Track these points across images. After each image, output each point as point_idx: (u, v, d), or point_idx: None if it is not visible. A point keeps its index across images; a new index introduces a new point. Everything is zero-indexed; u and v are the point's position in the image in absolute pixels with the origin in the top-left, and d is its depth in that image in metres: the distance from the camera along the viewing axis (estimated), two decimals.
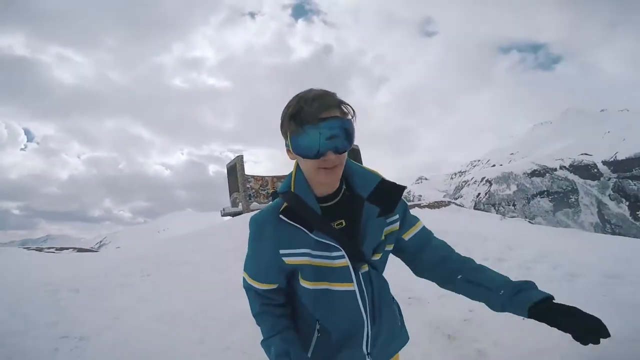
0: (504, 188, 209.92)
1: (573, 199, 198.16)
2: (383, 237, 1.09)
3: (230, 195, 20.40)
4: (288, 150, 1.03)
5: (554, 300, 0.93)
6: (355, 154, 25.24)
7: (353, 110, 0.99)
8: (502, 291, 0.99)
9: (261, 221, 1.08)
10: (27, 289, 4.97)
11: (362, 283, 1.05)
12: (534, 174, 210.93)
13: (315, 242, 1.02)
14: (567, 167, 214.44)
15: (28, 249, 15.96)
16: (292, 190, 1.05)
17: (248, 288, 1.17)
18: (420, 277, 1.19)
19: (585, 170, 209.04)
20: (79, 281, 5.33)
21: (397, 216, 1.11)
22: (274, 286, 1.12)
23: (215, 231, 10.01)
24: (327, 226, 1.02)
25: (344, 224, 1.06)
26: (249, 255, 1.14)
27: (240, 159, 18.29)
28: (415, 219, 1.17)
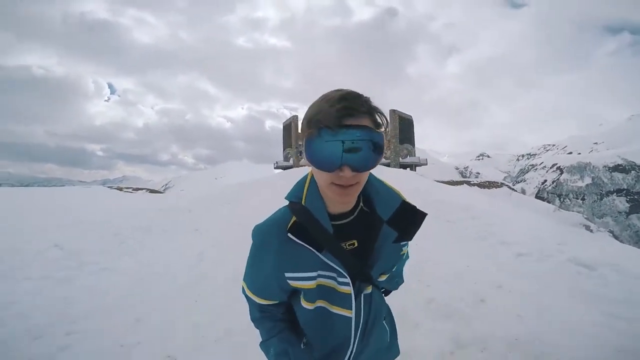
0: (576, 179, 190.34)
1: None
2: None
3: (284, 150, 21.88)
4: (303, 155, 0.91)
5: None
6: (408, 125, 25.10)
7: (387, 120, 0.87)
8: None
9: (265, 235, 0.98)
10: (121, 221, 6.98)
11: (362, 308, 1.00)
12: (616, 168, 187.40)
13: (323, 262, 0.94)
14: None
15: (111, 187, 19.08)
16: (303, 202, 0.95)
17: (247, 297, 1.10)
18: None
19: None
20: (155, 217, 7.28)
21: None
22: (275, 302, 1.07)
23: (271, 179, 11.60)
24: (338, 247, 0.93)
25: (355, 244, 0.98)
26: (248, 267, 1.06)
27: (295, 119, 19.45)
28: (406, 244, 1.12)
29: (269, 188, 9.81)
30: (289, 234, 0.92)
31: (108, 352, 2.69)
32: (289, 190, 1.02)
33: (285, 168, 19.04)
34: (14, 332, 2.88)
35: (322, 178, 0.86)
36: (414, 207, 1.00)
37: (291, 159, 20.18)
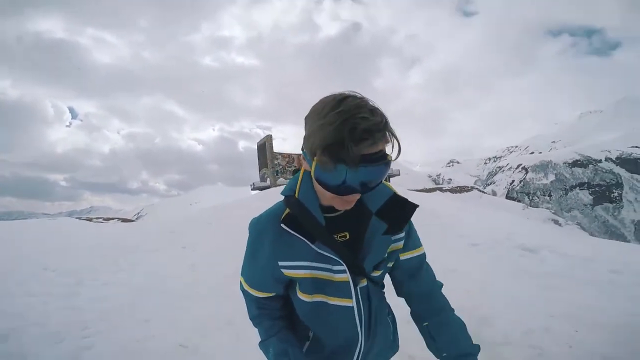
0: (540, 177, 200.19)
1: (616, 194, 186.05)
2: (386, 255, 1.03)
3: (259, 171, 22.16)
4: (304, 159, 0.91)
5: None
6: None
7: (399, 145, 0.84)
8: (445, 354, 1.02)
9: (261, 227, 1.02)
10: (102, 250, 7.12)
11: (361, 299, 1.00)
12: (575, 164, 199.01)
13: (316, 253, 0.95)
14: (614, 159, 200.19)
15: (80, 219, 18.52)
16: (296, 196, 0.97)
17: (245, 292, 1.12)
18: (402, 297, 1.16)
19: (634, 164, 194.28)
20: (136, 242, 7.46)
21: (402, 234, 1.05)
22: (271, 294, 1.08)
23: (247, 201, 11.93)
24: (330, 238, 0.95)
25: (347, 236, 0.99)
26: (246, 261, 1.09)
27: (269, 138, 19.87)
28: (419, 243, 1.11)
29: (245, 209, 10.24)
30: (282, 225, 0.95)
31: (127, 347, 3.03)
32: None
33: (262, 189, 19.31)
34: (36, 338, 3.12)
35: (327, 192, 0.86)
36: (405, 199, 1.01)
37: (268, 179, 20.49)
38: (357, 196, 0.87)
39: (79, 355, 2.91)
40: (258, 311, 1.10)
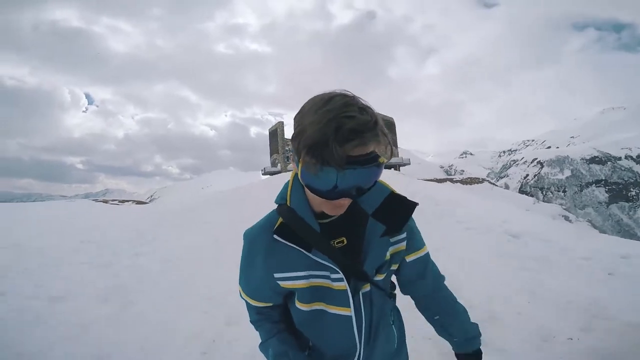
0: (556, 172, 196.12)
1: (633, 193, 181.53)
2: (388, 257, 0.97)
3: (270, 156, 22.72)
4: (294, 165, 0.87)
5: (471, 355, 1.07)
6: (389, 127, 26.21)
7: (391, 145, 0.80)
8: (456, 339, 1.07)
9: (253, 238, 0.98)
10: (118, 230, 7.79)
11: (362, 306, 0.94)
12: (593, 160, 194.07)
13: (313, 262, 0.91)
14: (634, 157, 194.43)
15: (96, 200, 19.28)
16: (288, 203, 0.93)
17: (244, 299, 1.10)
18: (407, 295, 1.13)
19: None
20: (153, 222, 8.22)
21: (404, 235, 0.99)
22: (269, 304, 1.06)
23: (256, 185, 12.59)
24: (326, 245, 0.90)
25: (345, 241, 0.94)
26: (241, 271, 1.05)
27: (281, 125, 20.38)
28: (422, 244, 1.06)
29: (258, 190, 10.94)
30: (275, 236, 0.91)
31: (164, 302, 3.76)
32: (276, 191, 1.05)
33: (273, 174, 19.90)
34: (88, 297, 3.79)
35: (317, 197, 0.82)
36: (404, 197, 0.97)
37: (279, 164, 21.06)
38: (348, 201, 0.82)
39: (126, 308, 3.57)
40: (257, 316, 1.08)
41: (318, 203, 0.87)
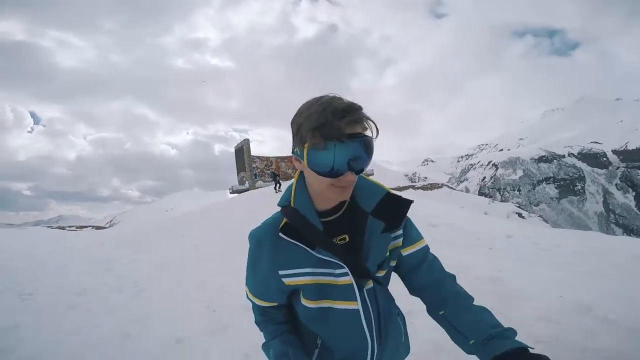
0: (510, 173, 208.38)
1: (579, 187, 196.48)
2: (388, 253, 1.02)
3: (237, 174, 22.50)
4: (296, 159, 0.94)
5: (526, 351, 0.82)
6: None
7: (377, 128, 0.91)
8: (472, 341, 0.92)
9: (259, 238, 1.03)
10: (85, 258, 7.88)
11: (367, 301, 0.99)
12: (541, 159, 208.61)
13: (317, 259, 0.96)
14: (576, 154, 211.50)
15: (51, 227, 18.01)
16: (291, 204, 0.99)
17: (250, 300, 1.14)
18: (415, 295, 1.12)
19: (594, 159, 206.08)
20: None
21: (400, 231, 1.04)
22: (274, 304, 1.10)
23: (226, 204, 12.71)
24: (329, 243, 0.95)
25: (347, 239, 0.99)
26: (248, 271, 1.10)
27: (246, 142, 20.29)
28: (419, 236, 1.08)
29: (221, 212, 11.45)
30: (280, 234, 0.97)
31: (171, 291, 4.44)
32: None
33: (240, 192, 19.79)
34: (105, 291, 4.58)
35: (323, 182, 0.89)
36: (399, 196, 1.03)
37: (246, 182, 20.96)
38: (352, 180, 0.88)
39: (139, 294, 4.43)
40: (262, 317, 1.12)
41: (324, 191, 0.92)
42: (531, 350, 0.81)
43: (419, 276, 1.05)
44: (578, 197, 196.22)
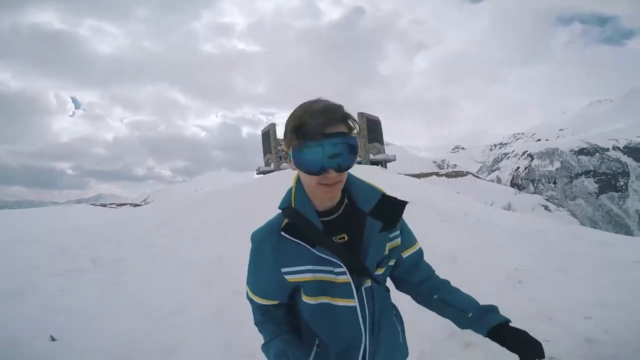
0: (546, 164, 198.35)
1: (622, 183, 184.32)
2: (386, 252, 1.09)
3: (264, 156, 23.62)
4: (289, 161, 0.99)
5: (510, 324, 1.02)
6: (375, 125, 27.27)
7: (359, 125, 0.97)
8: (470, 314, 1.05)
9: (261, 238, 1.07)
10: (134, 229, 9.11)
11: (365, 299, 1.04)
12: (581, 152, 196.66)
13: (317, 257, 1.00)
14: (621, 148, 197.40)
15: (94, 205, 19.53)
16: (292, 205, 1.04)
17: (250, 300, 1.18)
18: (400, 291, 1.23)
19: None
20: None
21: (397, 231, 1.11)
22: (275, 302, 1.14)
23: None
24: (329, 241, 1.01)
25: (345, 238, 1.05)
26: (249, 270, 1.14)
27: (273, 126, 21.23)
28: (414, 240, 1.18)
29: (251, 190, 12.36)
30: (282, 232, 1.02)
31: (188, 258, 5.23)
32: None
33: (266, 172, 20.90)
34: (139, 258, 5.34)
35: (310, 180, 0.96)
36: (395, 198, 1.09)
37: (272, 164, 22.05)
38: (337, 179, 0.94)
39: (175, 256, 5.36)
40: (262, 317, 1.15)
41: (317, 198, 1.02)
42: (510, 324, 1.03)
43: (411, 277, 1.18)
44: (619, 193, 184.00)
